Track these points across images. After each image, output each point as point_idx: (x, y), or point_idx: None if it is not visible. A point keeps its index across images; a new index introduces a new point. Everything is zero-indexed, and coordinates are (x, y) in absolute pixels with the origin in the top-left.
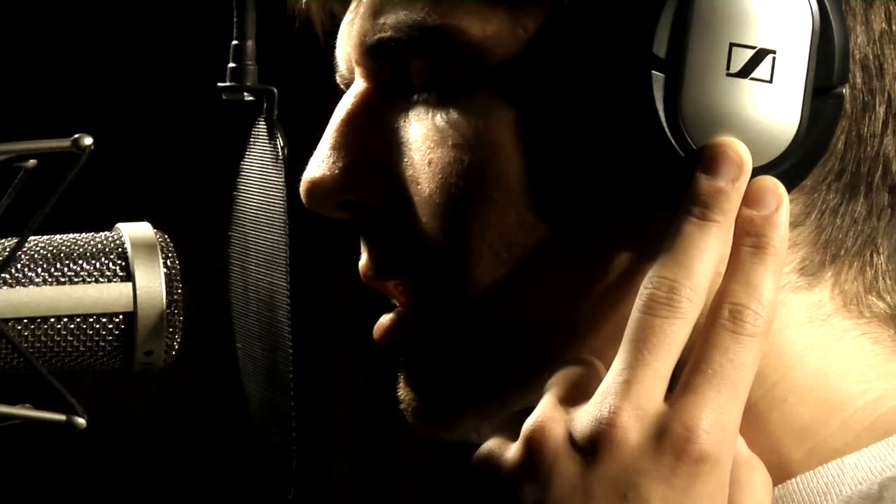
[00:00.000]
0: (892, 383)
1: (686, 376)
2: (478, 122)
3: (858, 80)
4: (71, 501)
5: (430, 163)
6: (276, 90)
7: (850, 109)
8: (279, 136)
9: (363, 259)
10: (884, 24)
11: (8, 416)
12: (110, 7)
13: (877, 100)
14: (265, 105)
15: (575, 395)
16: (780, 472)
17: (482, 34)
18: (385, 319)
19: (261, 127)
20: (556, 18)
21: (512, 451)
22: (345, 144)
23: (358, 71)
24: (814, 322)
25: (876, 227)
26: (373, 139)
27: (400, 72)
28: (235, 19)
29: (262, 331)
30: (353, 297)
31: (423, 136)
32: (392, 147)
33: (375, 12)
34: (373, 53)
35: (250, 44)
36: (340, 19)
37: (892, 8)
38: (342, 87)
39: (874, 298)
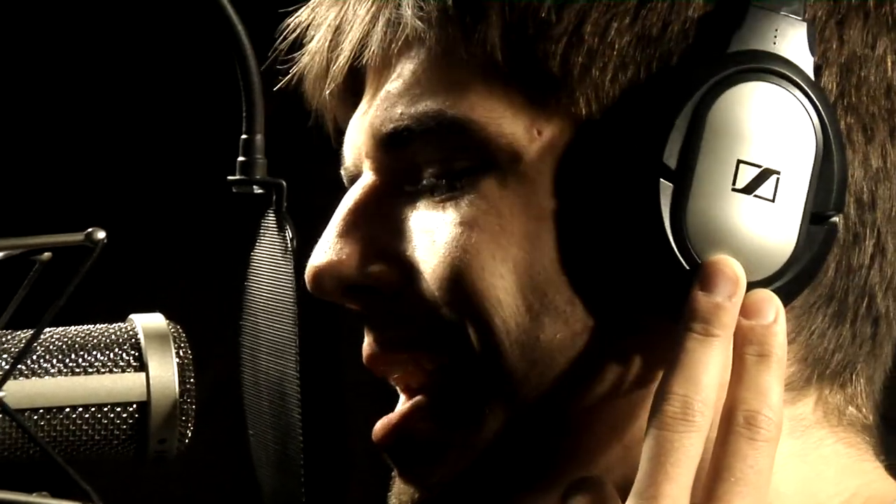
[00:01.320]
0: (863, 479)
1: (709, 486)
2: (485, 206)
3: (852, 212)
4: None
5: (434, 242)
6: (284, 183)
7: (843, 239)
8: (288, 227)
9: (367, 343)
10: (880, 162)
11: None
12: (123, 101)
13: (867, 233)
14: (274, 197)
15: None
16: None
17: (498, 131)
18: (387, 421)
19: (270, 219)
20: (573, 124)
21: None
22: (352, 232)
23: (367, 164)
24: (794, 433)
25: (858, 354)
26: (380, 227)
27: (410, 164)
28: (245, 114)
29: (274, 419)
30: (365, 384)
31: (429, 220)
32: (399, 234)
33: (394, 103)
34: (386, 144)
35: (259, 138)
36: (348, 119)
37: (889, 147)
38: (346, 181)
39: (853, 409)
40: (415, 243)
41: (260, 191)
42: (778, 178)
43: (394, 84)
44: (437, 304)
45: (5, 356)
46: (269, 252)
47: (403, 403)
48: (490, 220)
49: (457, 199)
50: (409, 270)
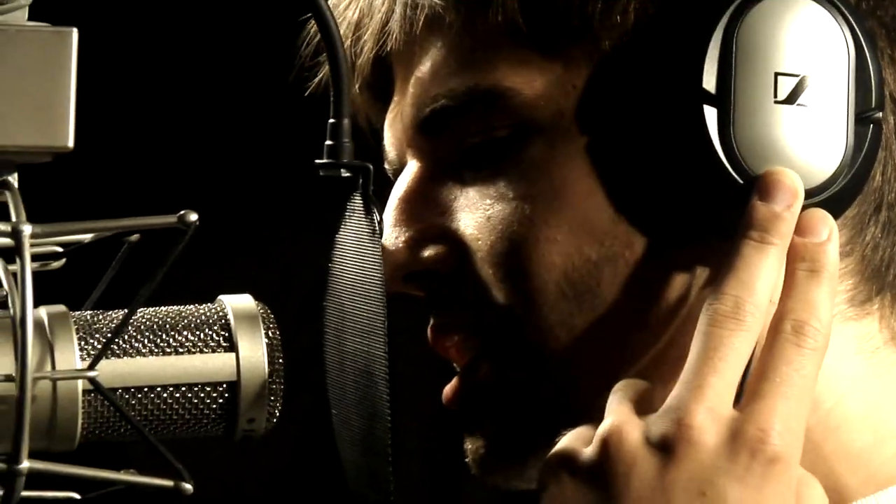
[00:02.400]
0: None
1: (754, 385)
2: (535, 174)
3: (889, 114)
4: None
5: (489, 218)
6: (371, 166)
7: (885, 142)
8: (376, 210)
9: (429, 327)
10: None
11: (116, 482)
12: (214, 85)
13: None
14: (361, 181)
15: (646, 405)
16: (836, 497)
17: (533, 92)
18: (452, 383)
19: (356, 202)
20: (603, 69)
21: (589, 452)
22: (404, 219)
23: (409, 153)
24: (863, 353)
25: None
26: (431, 211)
27: (451, 144)
28: (332, 99)
29: (360, 398)
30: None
31: (481, 196)
32: (450, 214)
33: (427, 86)
34: (425, 128)
35: (346, 122)
36: (379, 121)
37: None
38: (391, 175)
39: None
40: (467, 221)
41: (347, 174)
42: (817, 85)
43: (422, 68)
44: (493, 282)
45: (97, 336)
46: (355, 235)
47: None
48: (541, 187)
49: (505, 170)
50: (464, 249)
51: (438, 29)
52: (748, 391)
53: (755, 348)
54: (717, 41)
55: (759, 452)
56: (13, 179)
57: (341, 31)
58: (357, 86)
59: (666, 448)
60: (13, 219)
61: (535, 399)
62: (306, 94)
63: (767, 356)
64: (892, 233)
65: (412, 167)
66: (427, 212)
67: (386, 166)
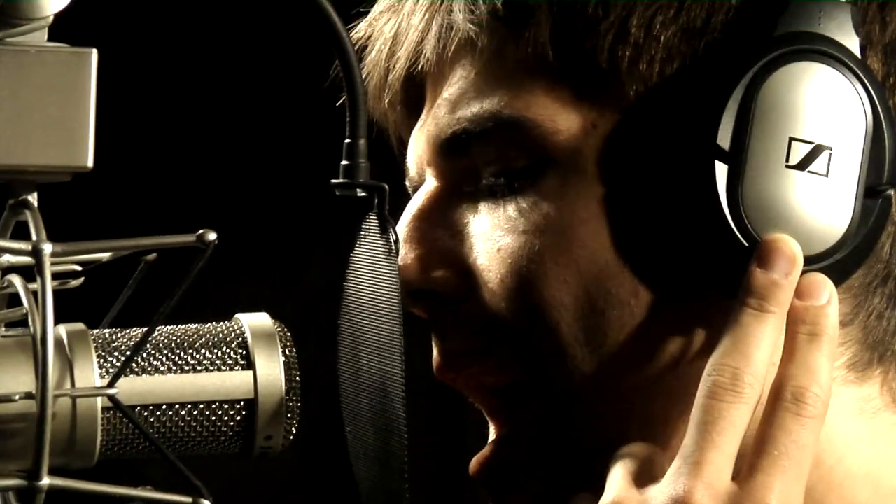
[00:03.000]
0: None
1: (752, 457)
2: (547, 208)
3: None
4: None
5: (499, 250)
6: (387, 186)
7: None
8: (392, 229)
9: (435, 352)
10: None
11: (136, 499)
12: (232, 106)
13: None
14: (376, 200)
15: (643, 477)
16: None
17: (553, 127)
18: (484, 454)
19: (372, 221)
20: (625, 115)
21: None
22: (417, 238)
23: (429, 171)
24: (864, 414)
25: None
26: (443, 231)
27: (470, 167)
28: (349, 119)
29: (375, 416)
30: None
31: (492, 226)
32: (462, 239)
33: (452, 108)
34: (446, 149)
35: (362, 142)
36: (408, 132)
37: None
38: (410, 191)
39: None
40: (478, 249)
41: (363, 194)
42: (830, 154)
43: (450, 90)
44: (502, 314)
45: (116, 353)
46: (370, 254)
47: (492, 437)
48: (551, 223)
49: (518, 200)
50: (471, 278)
51: (470, 53)
52: (747, 463)
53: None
54: (737, 100)
55: None
56: (33, 199)
57: (377, 46)
58: (388, 100)
59: None
60: (33, 238)
61: (565, 459)
62: (338, 104)
63: (766, 426)
64: None
65: (430, 185)
66: (440, 232)
67: (406, 182)
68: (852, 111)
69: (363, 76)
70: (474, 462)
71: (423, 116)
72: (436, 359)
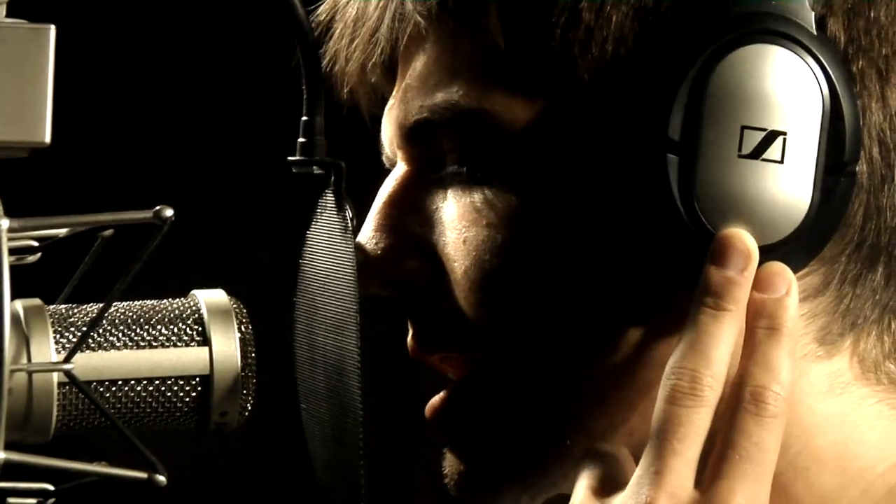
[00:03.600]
0: None
1: (715, 463)
2: (508, 201)
3: (876, 155)
4: None
5: (465, 241)
6: (344, 164)
7: (868, 183)
8: (348, 207)
9: (409, 336)
10: None
11: (90, 473)
12: (187, 81)
13: (894, 174)
14: (333, 178)
15: (607, 486)
16: None
17: (510, 117)
18: (436, 399)
19: (328, 198)
20: (578, 102)
21: None
22: (387, 226)
23: (399, 154)
24: (833, 391)
25: (894, 296)
26: (413, 219)
27: (436, 154)
28: (305, 96)
29: (331, 393)
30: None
31: (458, 215)
32: (431, 226)
33: (413, 96)
34: (411, 136)
35: (319, 119)
36: (382, 106)
37: None
38: (388, 166)
39: (892, 365)
40: (446, 239)
41: (319, 171)
42: (785, 139)
43: (411, 77)
44: (465, 306)
45: (73, 329)
46: (327, 231)
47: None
48: (512, 215)
49: (481, 190)
50: (440, 268)
51: (425, 42)
52: (710, 469)
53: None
54: (687, 89)
55: None
56: None
57: (338, 30)
58: (352, 84)
59: None
60: None
61: (509, 429)
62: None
63: (727, 429)
64: (873, 267)
65: (400, 170)
66: (409, 220)
67: (383, 159)
68: (807, 93)
69: (327, 59)
70: (431, 405)
71: (391, 98)
72: (409, 341)
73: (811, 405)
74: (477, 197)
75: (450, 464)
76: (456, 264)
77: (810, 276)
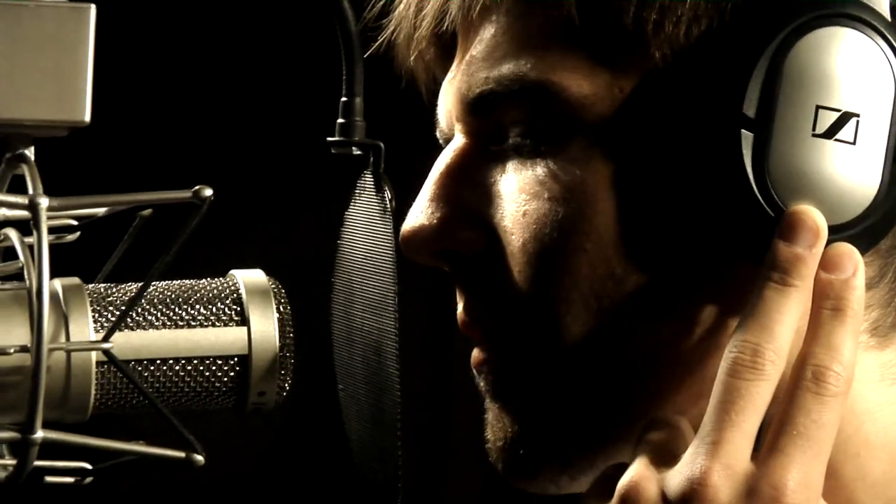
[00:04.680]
0: None
1: (772, 437)
2: (573, 174)
3: None
4: None
5: (524, 214)
6: (382, 145)
7: None
8: (387, 188)
9: (460, 307)
10: None
11: (128, 453)
12: (229, 62)
13: None
14: (372, 159)
15: (665, 456)
16: None
17: (580, 91)
18: (482, 356)
19: (367, 179)
20: (651, 79)
21: None
22: (443, 196)
23: (458, 127)
24: (885, 380)
25: None
26: (470, 191)
27: (498, 127)
28: (345, 77)
29: (369, 374)
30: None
31: (518, 188)
32: (488, 199)
33: (478, 68)
34: (473, 108)
35: (358, 100)
36: (442, 79)
37: None
38: (442, 142)
39: None
40: (503, 213)
41: (358, 152)
42: (858, 121)
43: (477, 48)
44: (521, 281)
45: (111, 308)
46: (365, 212)
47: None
48: (576, 190)
49: (545, 163)
50: (496, 238)
51: (496, 12)
52: (766, 444)
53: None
54: (763, 67)
55: None
56: (30, 153)
57: (405, 0)
58: (416, 55)
59: None
60: (30, 191)
61: (548, 411)
62: (366, 54)
63: (786, 405)
64: None
65: (458, 142)
66: (465, 192)
67: (437, 133)
68: (880, 76)
69: (391, 29)
70: (474, 359)
71: (453, 69)
72: (459, 314)
73: (862, 392)
74: (540, 170)
75: (492, 434)
76: (513, 237)
77: (867, 268)
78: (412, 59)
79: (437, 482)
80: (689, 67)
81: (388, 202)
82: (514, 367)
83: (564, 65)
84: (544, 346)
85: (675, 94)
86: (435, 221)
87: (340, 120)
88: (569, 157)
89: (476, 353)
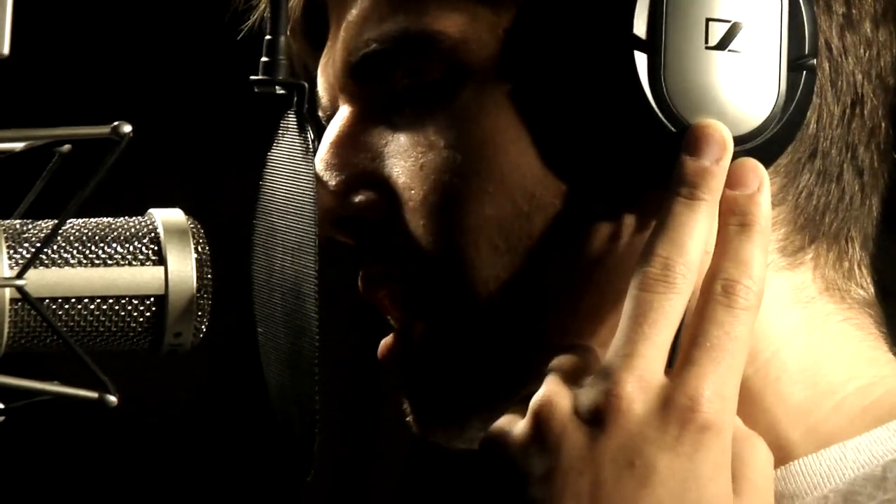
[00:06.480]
0: (879, 370)
1: (685, 350)
2: (467, 121)
3: (825, 61)
4: (92, 479)
5: (422, 167)
6: (307, 84)
7: (820, 89)
8: (309, 129)
9: (359, 280)
10: (843, 9)
11: (41, 392)
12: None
13: (843, 82)
14: (296, 98)
15: (578, 374)
16: (780, 453)
17: (462, 35)
18: (387, 340)
19: (290, 119)
20: (533, 9)
21: (520, 426)
22: (336, 164)
23: (342, 98)
24: (798, 303)
25: (848, 213)
26: (363, 155)
27: (384, 88)
28: (269, 15)
29: (287, 317)
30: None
31: (413, 143)
32: (382, 159)
33: (359, 31)
34: (357, 73)
35: (283, 39)
36: (315, 67)
37: None
38: (324, 121)
39: (853, 286)
40: (399, 169)
41: (282, 91)
42: (749, 30)
43: (354, 12)
44: (424, 233)
45: (26, 245)
46: (287, 153)
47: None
48: (472, 135)
49: (437, 116)
50: (395, 197)
51: None
52: (680, 357)
53: (689, 308)
54: None
55: (689, 421)
56: None
57: None
58: (289, 29)
59: (595, 419)
60: None
61: (470, 358)
62: (239, 37)
63: (698, 319)
64: (826, 180)
65: (344, 112)
66: (358, 157)
67: (319, 113)
68: None
69: (262, 5)
70: (381, 349)
71: (328, 43)
72: (359, 281)
73: (777, 315)
74: (431, 124)
75: (409, 405)
76: (413, 191)
77: (772, 182)
78: (288, 32)
79: (365, 430)
80: None
81: (310, 143)
82: (428, 322)
83: (445, 13)
84: (457, 295)
85: (559, 24)
86: (331, 189)
87: (264, 58)
88: (460, 106)
89: (384, 343)
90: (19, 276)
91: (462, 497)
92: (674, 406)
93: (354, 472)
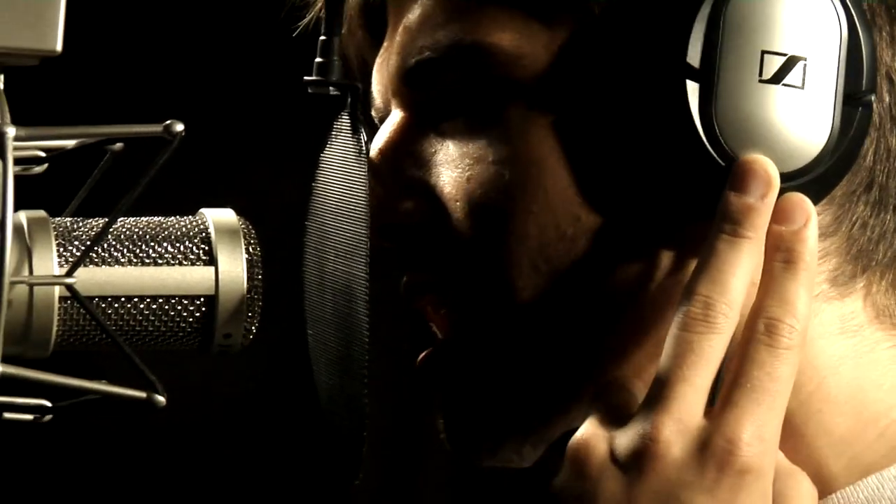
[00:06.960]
0: None
1: (725, 391)
2: (516, 137)
3: (885, 94)
4: (141, 480)
5: (468, 179)
6: (360, 86)
7: (879, 122)
8: (363, 130)
9: (403, 283)
10: None
11: (89, 391)
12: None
13: None
14: (349, 100)
15: (618, 414)
16: (821, 485)
17: (515, 50)
18: (427, 352)
19: (343, 121)
20: (587, 31)
21: (562, 471)
22: (383, 171)
23: (394, 102)
24: (846, 333)
25: None
26: (410, 163)
27: (436, 97)
28: (324, 16)
29: (338, 319)
30: None
31: (461, 154)
32: (430, 169)
33: (414, 37)
34: (409, 79)
35: (337, 40)
36: (372, 61)
37: None
38: (377, 121)
39: None
40: (446, 179)
41: (335, 92)
42: (805, 64)
43: (411, 17)
44: (467, 247)
45: (77, 243)
46: (340, 155)
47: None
48: (520, 151)
49: (487, 129)
50: (441, 207)
51: None
52: (720, 398)
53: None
54: (705, 15)
55: (727, 465)
56: None
57: None
58: (348, 27)
59: (632, 463)
60: None
61: (506, 379)
62: (294, 34)
63: (740, 359)
64: (882, 211)
65: (395, 117)
66: (406, 164)
67: (372, 112)
68: (825, 18)
69: (319, 4)
70: (419, 362)
71: (385, 44)
72: (403, 288)
73: (823, 346)
74: (481, 137)
75: (442, 422)
76: (458, 203)
77: (822, 216)
78: (346, 29)
79: (412, 433)
80: (628, 22)
81: (363, 145)
82: (467, 336)
83: (501, 28)
84: (496, 314)
85: (614, 48)
86: (376, 196)
87: (318, 59)
88: (510, 121)
89: (424, 354)
90: (69, 274)
91: None
92: (712, 449)
93: (402, 475)
